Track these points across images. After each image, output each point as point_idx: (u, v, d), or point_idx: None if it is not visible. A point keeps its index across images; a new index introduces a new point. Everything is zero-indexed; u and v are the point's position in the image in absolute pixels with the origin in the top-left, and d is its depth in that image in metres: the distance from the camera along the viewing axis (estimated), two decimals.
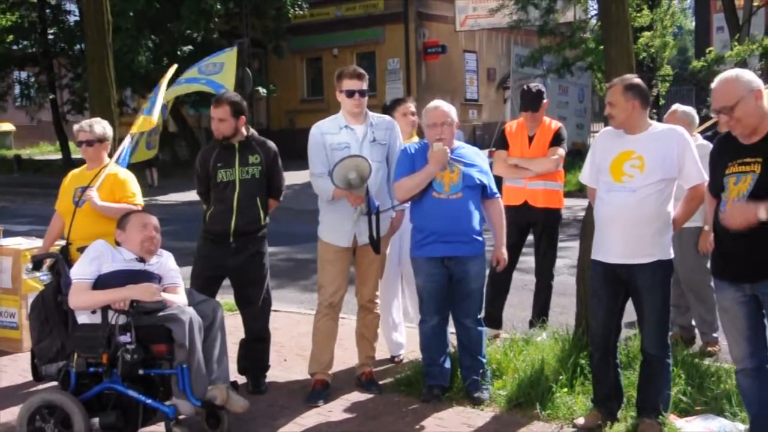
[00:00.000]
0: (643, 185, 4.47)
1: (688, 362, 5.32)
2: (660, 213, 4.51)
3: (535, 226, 6.55)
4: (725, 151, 4.03)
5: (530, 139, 6.47)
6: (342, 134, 5.36)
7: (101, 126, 5.64)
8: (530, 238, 6.65)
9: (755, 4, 20.55)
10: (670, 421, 4.58)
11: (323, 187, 5.33)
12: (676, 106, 6.20)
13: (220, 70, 6.78)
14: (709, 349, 6.10)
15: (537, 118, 6.48)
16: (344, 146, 5.31)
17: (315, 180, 5.40)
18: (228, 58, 6.89)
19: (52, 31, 30.10)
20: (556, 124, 6.54)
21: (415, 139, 5.99)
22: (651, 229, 4.48)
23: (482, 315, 5.40)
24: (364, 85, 5.39)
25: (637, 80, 4.63)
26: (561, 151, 6.41)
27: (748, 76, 3.91)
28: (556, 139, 6.43)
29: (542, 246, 6.60)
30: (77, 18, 27.67)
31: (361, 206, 5.22)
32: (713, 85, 3.96)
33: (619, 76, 4.73)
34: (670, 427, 4.55)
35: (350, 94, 5.35)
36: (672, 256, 4.59)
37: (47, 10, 29.82)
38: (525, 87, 6.63)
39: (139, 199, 5.53)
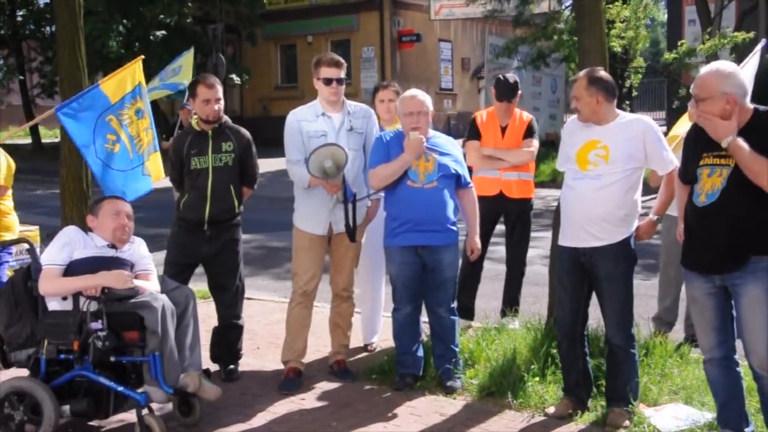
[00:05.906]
0: (607, 173, 4.51)
1: (657, 352, 5.38)
2: (625, 201, 4.56)
3: (509, 216, 6.60)
4: (700, 141, 4.02)
5: (503, 129, 6.51)
6: (319, 122, 5.35)
7: None
8: (500, 227, 6.68)
9: None
10: (639, 410, 4.64)
11: (299, 175, 5.31)
12: None
13: (178, 72, 6.83)
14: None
15: (511, 108, 6.53)
16: (321, 134, 5.30)
17: (291, 167, 5.39)
18: (185, 61, 6.95)
19: (21, 12, 29.57)
20: (527, 115, 6.61)
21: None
22: (615, 217, 4.53)
23: (455, 305, 5.42)
24: (342, 73, 5.38)
25: (601, 73, 4.64)
26: (535, 143, 6.50)
27: (735, 79, 3.84)
28: (529, 131, 6.51)
29: (516, 235, 6.64)
30: (47, 0, 27.21)
31: (338, 194, 5.22)
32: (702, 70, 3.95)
33: (585, 69, 4.75)
34: (638, 416, 4.60)
35: (328, 81, 5.33)
36: (629, 234, 4.60)
37: None
38: (501, 77, 6.63)
39: None
